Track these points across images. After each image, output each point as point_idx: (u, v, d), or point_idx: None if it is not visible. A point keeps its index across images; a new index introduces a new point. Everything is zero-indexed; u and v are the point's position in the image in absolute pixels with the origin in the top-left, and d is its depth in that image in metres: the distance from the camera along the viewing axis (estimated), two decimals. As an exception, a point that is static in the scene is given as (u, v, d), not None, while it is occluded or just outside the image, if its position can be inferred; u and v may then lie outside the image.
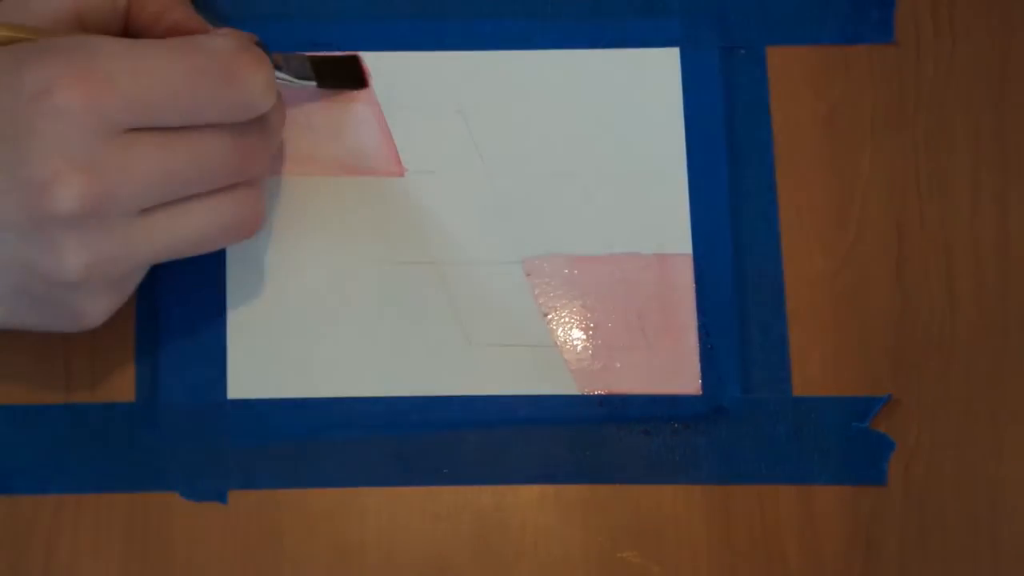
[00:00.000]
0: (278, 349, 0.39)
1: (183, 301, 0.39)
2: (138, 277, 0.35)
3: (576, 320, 0.39)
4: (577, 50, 0.41)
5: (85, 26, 0.35)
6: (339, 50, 0.41)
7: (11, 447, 0.38)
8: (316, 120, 0.41)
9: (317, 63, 0.39)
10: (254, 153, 0.35)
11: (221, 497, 0.38)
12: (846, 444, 0.38)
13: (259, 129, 0.35)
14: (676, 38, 0.41)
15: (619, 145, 0.41)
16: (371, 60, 0.41)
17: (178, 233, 0.34)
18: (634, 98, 0.41)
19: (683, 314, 0.39)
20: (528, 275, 0.40)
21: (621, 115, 0.41)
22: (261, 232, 0.39)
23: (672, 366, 0.39)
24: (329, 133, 0.40)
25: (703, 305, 0.39)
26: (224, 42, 0.33)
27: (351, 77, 0.40)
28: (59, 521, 0.38)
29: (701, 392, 0.39)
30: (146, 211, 0.33)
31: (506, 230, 0.40)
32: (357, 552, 0.38)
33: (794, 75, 0.41)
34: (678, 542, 0.38)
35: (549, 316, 0.39)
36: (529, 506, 0.38)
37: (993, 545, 0.38)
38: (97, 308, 0.34)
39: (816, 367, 0.39)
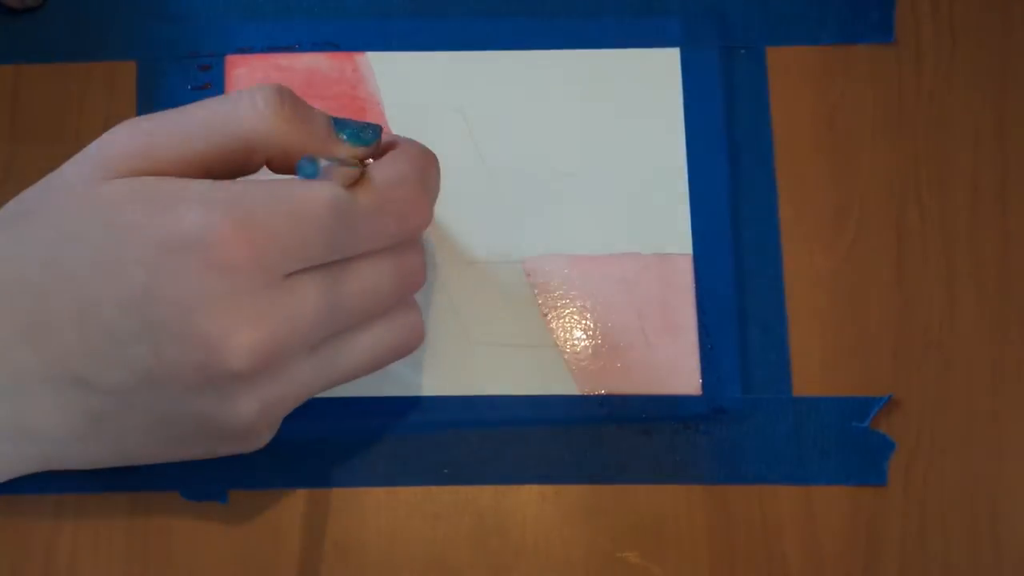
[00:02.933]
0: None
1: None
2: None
3: (576, 320, 0.39)
4: (577, 50, 0.41)
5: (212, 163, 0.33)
6: (339, 50, 0.41)
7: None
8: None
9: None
10: (413, 270, 0.34)
11: (221, 497, 0.38)
12: (846, 444, 0.38)
13: (412, 245, 0.34)
14: (676, 38, 0.41)
15: (619, 145, 0.41)
16: (371, 60, 0.41)
17: (346, 365, 0.34)
18: (634, 98, 0.41)
19: (683, 314, 0.39)
20: (528, 275, 0.40)
21: (621, 115, 0.41)
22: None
23: (672, 366, 0.39)
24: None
25: (703, 305, 0.39)
26: (383, 174, 0.33)
27: None
28: (59, 521, 0.38)
29: (701, 392, 0.39)
30: (314, 348, 0.32)
31: (506, 230, 0.40)
32: (357, 552, 0.38)
33: (794, 75, 0.41)
34: (678, 542, 0.38)
35: (549, 316, 0.39)
36: (529, 506, 0.38)
37: (993, 545, 0.38)
38: (261, 441, 0.34)
39: (816, 367, 0.39)
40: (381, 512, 0.38)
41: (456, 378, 0.39)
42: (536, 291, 0.40)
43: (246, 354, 0.30)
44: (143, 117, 0.32)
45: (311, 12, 0.41)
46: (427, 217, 0.34)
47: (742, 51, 0.41)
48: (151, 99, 0.41)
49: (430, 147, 0.40)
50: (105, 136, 0.32)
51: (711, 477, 0.38)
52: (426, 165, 0.34)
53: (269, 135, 0.32)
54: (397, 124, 0.41)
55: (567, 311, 0.40)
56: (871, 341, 0.39)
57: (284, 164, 0.33)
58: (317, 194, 0.31)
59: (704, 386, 0.39)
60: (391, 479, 0.38)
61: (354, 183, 0.32)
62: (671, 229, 0.40)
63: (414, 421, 0.39)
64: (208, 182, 0.31)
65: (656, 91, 0.41)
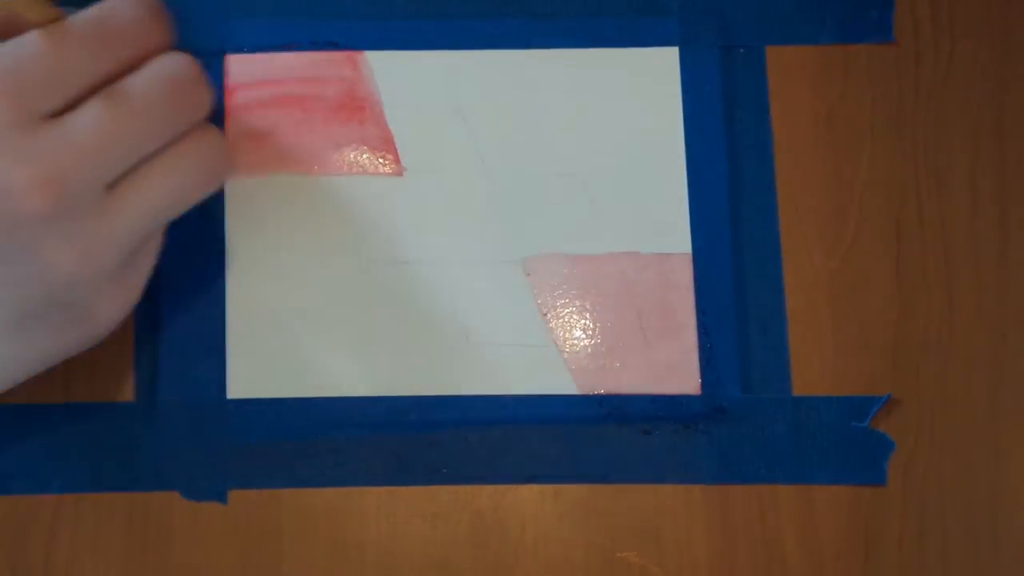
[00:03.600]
0: (278, 349, 0.39)
1: (183, 301, 0.39)
2: (142, 272, 0.35)
3: (576, 320, 0.39)
4: (577, 50, 0.41)
5: None
6: (339, 50, 0.41)
7: (11, 447, 0.38)
8: (316, 119, 0.41)
9: None
10: (188, 80, 0.34)
11: (221, 497, 0.38)
12: (846, 444, 0.38)
13: (183, 62, 0.34)
14: (675, 38, 0.41)
15: (619, 145, 0.41)
16: (371, 60, 0.41)
17: (150, 196, 0.33)
18: (634, 98, 0.41)
19: (683, 314, 0.39)
20: (528, 275, 0.40)
21: (621, 115, 0.41)
22: (261, 232, 0.40)
23: (672, 366, 0.39)
24: (329, 133, 0.40)
25: (703, 305, 0.39)
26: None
27: None
28: (59, 521, 0.38)
29: (701, 392, 0.39)
30: (111, 187, 0.32)
31: (506, 230, 0.40)
32: (356, 552, 0.38)
33: (794, 75, 0.41)
34: (678, 542, 0.38)
35: (549, 316, 0.39)
36: (529, 506, 0.38)
37: (993, 545, 0.38)
38: (107, 306, 0.34)
39: (816, 367, 0.39)
40: (381, 512, 0.38)
41: (456, 378, 0.39)
42: (536, 291, 0.40)
43: (32, 190, 0.30)
44: None
45: (311, 11, 0.41)
46: (151, 30, 0.34)
47: (742, 51, 0.41)
48: (151, 99, 0.41)
49: (430, 147, 0.41)
50: None
51: (711, 477, 0.38)
52: None
53: None
54: (397, 124, 0.41)
55: (566, 311, 0.40)
56: (871, 341, 0.39)
57: None
58: (30, 35, 0.31)
59: (703, 386, 0.39)
60: (391, 479, 0.38)
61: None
62: (670, 229, 0.40)
63: (414, 421, 0.39)
64: None
65: (655, 91, 0.41)
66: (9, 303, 0.32)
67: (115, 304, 0.34)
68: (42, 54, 0.31)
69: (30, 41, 0.32)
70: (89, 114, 0.32)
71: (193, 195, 0.35)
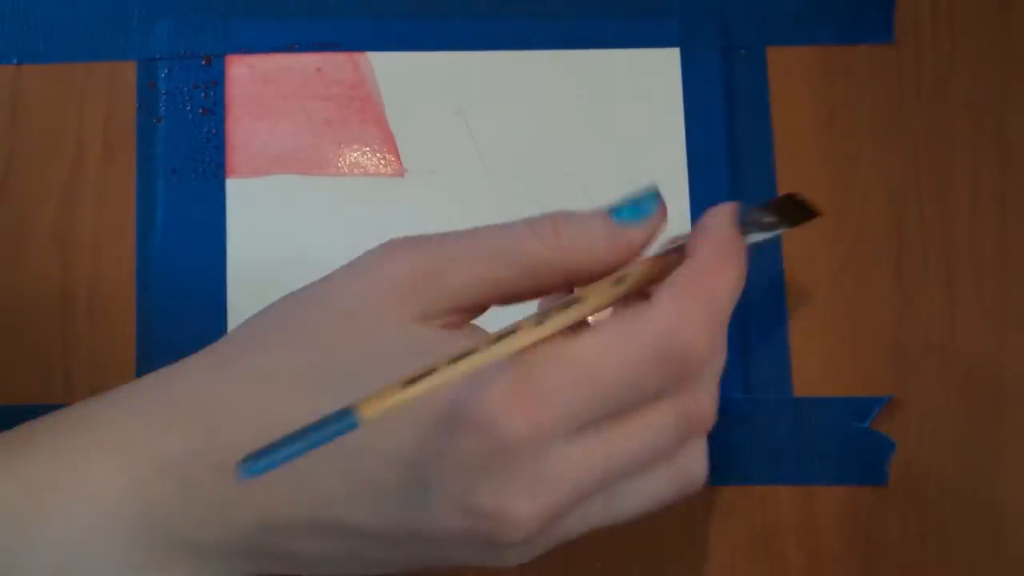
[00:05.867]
0: (278, 349, 0.39)
1: (183, 301, 0.39)
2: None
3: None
4: (577, 50, 0.41)
5: (501, 294, 0.32)
6: (339, 50, 0.41)
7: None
8: (316, 119, 0.41)
9: (775, 206, 0.34)
10: (701, 413, 0.31)
11: (221, 497, 0.38)
12: (846, 444, 0.38)
13: (700, 379, 0.30)
14: (676, 38, 0.41)
15: (619, 145, 0.41)
16: (372, 61, 0.41)
17: (619, 511, 0.31)
18: (634, 98, 0.41)
19: (683, 314, 0.39)
20: (528, 275, 0.40)
21: (621, 115, 0.41)
22: (261, 232, 0.40)
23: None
24: (330, 133, 0.40)
25: (703, 305, 0.39)
26: (664, 319, 0.29)
27: (801, 210, 0.34)
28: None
29: (701, 392, 0.39)
30: (585, 499, 0.30)
31: (506, 230, 0.40)
32: (357, 552, 0.38)
33: (794, 75, 0.41)
34: (678, 542, 0.38)
35: (549, 316, 0.39)
36: (529, 506, 0.38)
37: (993, 545, 0.38)
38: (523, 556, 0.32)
39: (816, 367, 0.39)
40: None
41: (456, 378, 0.39)
42: (536, 291, 0.40)
43: (522, 528, 0.29)
44: (418, 239, 0.31)
45: (311, 12, 0.41)
46: (718, 354, 0.31)
47: (742, 51, 0.41)
48: (151, 99, 0.41)
49: (430, 147, 0.40)
50: (384, 255, 0.31)
51: (711, 477, 0.38)
52: (718, 284, 0.30)
53: (551, 262, 0.30)
54: (397, 124, 0.41)
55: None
56: (871, 341, 0.39)
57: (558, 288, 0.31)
58: (604, 360, 0.29)
59: (704, 386, 0.39)
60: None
61: (633, 322, 0.29)
62: (671, 229, 0.40)
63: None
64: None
65: (656, 91, 0.41)
66: (435, 562, 0.31)
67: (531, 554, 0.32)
68: (607, 390, 0.29)
69: (607, 368, 0.29)
70: (598, 444, 0.29)
71: (655, 508, 0.32)
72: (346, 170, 0.40)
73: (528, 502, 0.29)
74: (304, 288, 0.32)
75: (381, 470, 0.29)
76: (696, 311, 0.29)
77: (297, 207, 0.40)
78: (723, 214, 0.31)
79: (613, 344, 0.29)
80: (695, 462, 0.32)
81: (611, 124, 0.41)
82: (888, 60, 0.41)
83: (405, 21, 0.41)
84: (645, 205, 0.31)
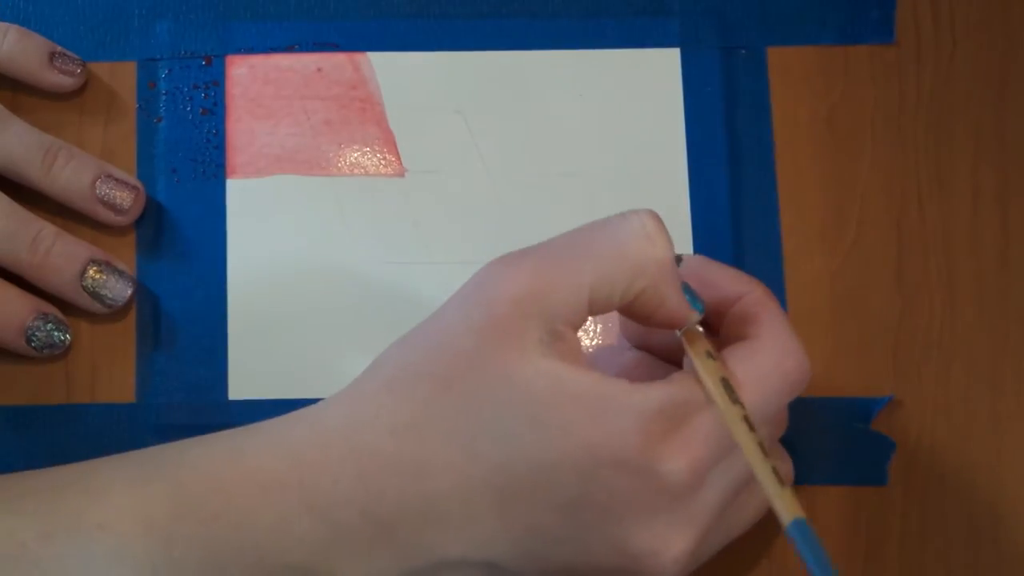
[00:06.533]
0: (278, 349, 0.39)
1: (183, 301, 0.39)
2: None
3: (576, 320, 0.39)
4: (577, 50, 0.41)
5: (593, 310, 0.32)
6: (339, 51, 0.41)
7: (11, 447, 0.38)
8: (316, 120, 0.41)
9: None
10: (782, 419, 0.35)
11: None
12: (847, 444, 0.38)
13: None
14: (676, 38, 0.41)
15: (619, 145, 0.41)
16: (373, 61, 0.41)
17: (734, 527, 0.34)
18: (634, 98, 0.41)
19: (683, 314, 0.39)
20: (528, 275, 0.40)
21: (621, 115, 0.41)
22: (261, 232, 0.40)
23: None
24: (330, 133, 0.40)
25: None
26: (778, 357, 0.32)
27: None
28: (59, 521, 0.38)
29: (701, 392, 0.39)
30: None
31: (506, 230, 0.40)
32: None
33: (794, 75, 0.41)
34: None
35: (550, 316, 0.39)
36: (530, 506, 0.38)
37: (993, 545, 0.38)
38: None
39: (816, 367, 0.39)
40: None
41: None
42: (537, 291, 0.40)
43: (680, 562, 0.30)
44: (520, 255, 0.32)
45: (311, 12, 0.41)
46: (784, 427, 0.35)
47: (742, 51, 0.41)
48: (151, 99, 0.41)
49: (430, 147, 0.40)
50: (487, 282, 0.31)
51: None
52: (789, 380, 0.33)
53: (653, 264, 0.31)
54: (397, 124, 0.41)
55: (568, 311, 0.39)
56: (871, 341, 0.39)
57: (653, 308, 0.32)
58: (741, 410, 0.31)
59: (705, 386, 0.39)
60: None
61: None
62: (671, 229, 0.40)
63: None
64: (627, 384, 0.30)
65: (656, 91, 0.41)
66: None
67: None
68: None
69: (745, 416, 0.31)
70: (723, 477, 0.31)
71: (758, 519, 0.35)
72: (346, 170, 0.40)
73: (685, 538, 0.30)
74: (420, 329, 0.32)
75: (543, 515, 0.30)
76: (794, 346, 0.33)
77: (297, 207, 0.40)
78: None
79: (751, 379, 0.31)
80: (781, 464, 0.34)
81: (611, 124, 0.41)
82: (888, 60, 0.41)
83: (405, 21, 0.41)
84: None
